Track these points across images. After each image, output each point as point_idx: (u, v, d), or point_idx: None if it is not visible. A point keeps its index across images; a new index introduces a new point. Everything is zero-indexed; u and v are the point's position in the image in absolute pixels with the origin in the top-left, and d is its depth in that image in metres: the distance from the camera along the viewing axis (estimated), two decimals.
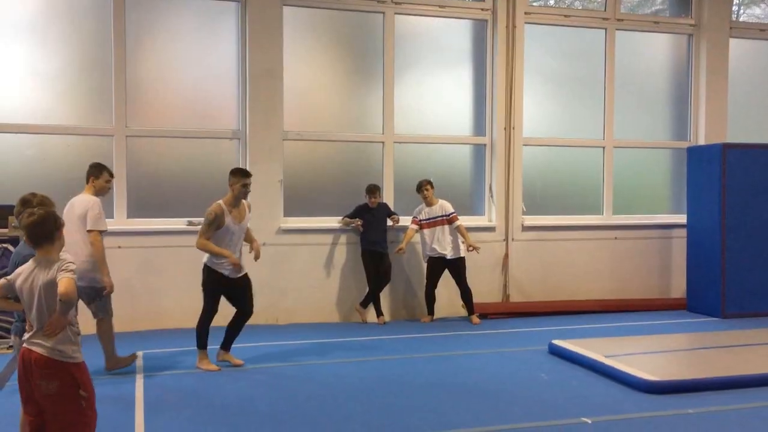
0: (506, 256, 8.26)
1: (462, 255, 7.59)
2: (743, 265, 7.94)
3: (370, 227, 7.60)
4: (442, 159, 8.33)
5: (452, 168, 8.38)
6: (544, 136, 8.57)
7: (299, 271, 7.63)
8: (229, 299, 5.67)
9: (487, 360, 6.06)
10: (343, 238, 7.77)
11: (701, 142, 8.88)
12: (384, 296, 7.78)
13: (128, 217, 7.30)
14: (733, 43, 9.09)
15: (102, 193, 5.42)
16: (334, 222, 7.73)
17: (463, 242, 7.56)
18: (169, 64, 7.51)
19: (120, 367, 5.52)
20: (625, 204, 8.89)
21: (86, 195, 5.34)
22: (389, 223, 7.72)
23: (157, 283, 7.18)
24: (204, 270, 5.57)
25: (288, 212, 7.72)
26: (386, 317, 7.77)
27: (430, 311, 7.78)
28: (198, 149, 7.50)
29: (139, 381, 5.30)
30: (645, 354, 5.94)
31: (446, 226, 7.58)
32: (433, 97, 8.28)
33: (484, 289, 8.13)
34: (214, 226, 5.43)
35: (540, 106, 8.63)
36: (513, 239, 8.28)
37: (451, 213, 7.62)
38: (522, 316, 8.00)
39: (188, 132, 7.47)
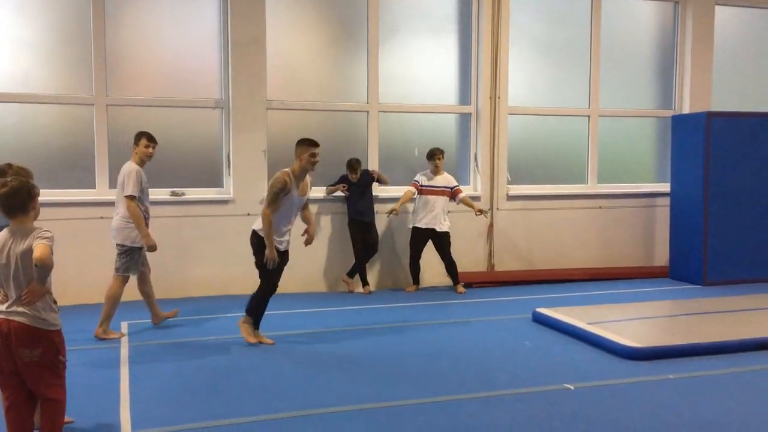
0: (491, 225, 8.28)
1: (448, 230, 7.61)
2: (725, 233, 8.01)
3: (356, 197, 7.58)
4: (428, 128, 8.29)
5: (437, 137, 8.33)
6: (529, 104, 8.54)
7: None
8: None
9: (472, 328, 6.10)
10: (329, 208, 7.74)
11: (686, 110, 8.89)
12: (370, 266, 7.79)
13: (110, 187, 7.22)
14: (719, 10, 9.06)
15: (145, 159, 5.82)
16: (319, 192, 7.70)
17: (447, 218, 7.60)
18: (150, 31, 7.38)
19: (106, 337, 5.65)
20: (610, 173, 8.91)
21: (129, 162, 5.78)
22: (374, 188, 7.71)
23: None
24: (255, 238, 5.31)
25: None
26: (372, 287, 7.79)
27: (416, 281, 7.81)
28: (180, 118, 7.41)
29: (124, 349, 5.30)
30: (627, 321, 6.01)
31: (443, 198, 7.59)
32: (418, 66, 8.21)
33: (469, 258, 8.16)
34: (282, 195, 5.17)
35: (526, 74, 8.58)
36: (498, 208, 8.30)
37: (455, 186, 7.65)
38: (506, 285, 8.04)
39: (170, 101, 7.38)
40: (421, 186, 7.62)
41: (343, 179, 7.60)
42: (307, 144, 5.30)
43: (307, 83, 7.90)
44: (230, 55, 7.38)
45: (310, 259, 7.68)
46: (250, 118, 7.46)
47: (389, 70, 8.05)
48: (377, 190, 7.80)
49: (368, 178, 7.66)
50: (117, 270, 5.73)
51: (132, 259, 5.74)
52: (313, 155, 5.26)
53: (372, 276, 7.88)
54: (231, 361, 5.07)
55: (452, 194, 7.63)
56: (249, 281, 7.42)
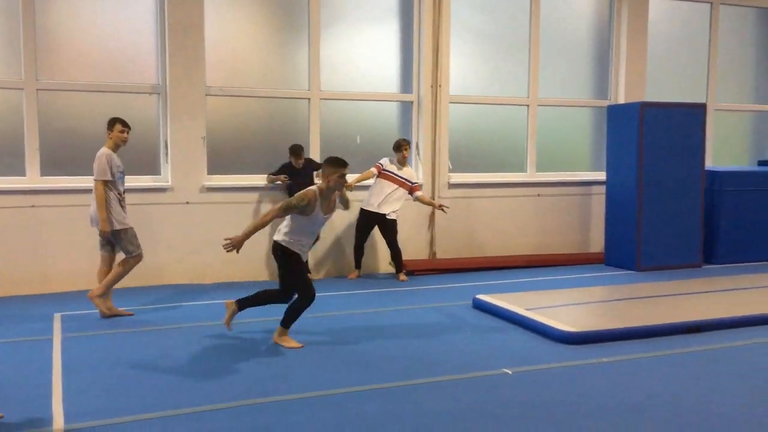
0: (433, 213, 8.34)
1: (396, 218, 7.65)
2: (657, 220, 8.28)
3: (298, 186, 7.49)
4: (370, 116, 8.28)
5: (380, 126, 8.35)
6: (470, 93, 8.63)
7: (225, 230, 7.43)
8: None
9: (413, 316, 6.15)
10: (270, 197, 7.67)
11: (621, 100, 9.13)
12: (311, 254, 7.75)
13: (42, 174, 6.98)
14: (653, 3, 9.31)
15: (119, 143, 5.93)
16: (260, 180, 7.61)
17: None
18: (84, 12, 7.13)
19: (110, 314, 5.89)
20: (548, 161, 9.08)
21: (103, 148, 5.88)
22: (317, 180, 7.66)
23: (72, 242, 6.92)
24: (278, 250, 5.08)
25: (212, 170, 7.55)
26: (314, 275, 7.76)
27: (358, 265, 7.82)
28: (115, 104, 7.19)
29: (57, 342, 5.14)
30: (564, 306, 6.15)
31: (401, 190, 7.63)
32: (360, 54, 8.18)
33: (411, 246, 8.21)
34: (297, 210, 4.95)
35: (467, 64, 8.66)
36: (439, 196, 8.36)
37: (415, 183, 7.71)
38: (448, 272, 8.13)
39: (104, 86, 7.16)
40: (384, 170, 7.63)
41: (285, 167, 7.52)
42: (336, 164, 5.04)
43: (248, 70, 7.78)
44: (167, 40, 7.20)
45: (251, 249, 7.59)
46: (188, 105, 7.31)
47: (331, 58, 8.00)
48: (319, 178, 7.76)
49: (312, 166, 7.61)
50: (128, 254, 5.90)
51: (128, 237, 5.88)
52: (342, 176, 5.05)
53: (314, 264, 7.85)
54: (166, 352, 4.98)
55: (410, 190, 7.68)
56: (186, 270, 7.35)
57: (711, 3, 9.62)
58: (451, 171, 8.46)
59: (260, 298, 5.31)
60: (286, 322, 5.19)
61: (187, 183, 7.32)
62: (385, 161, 7.69)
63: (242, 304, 5.29)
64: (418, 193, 7.74)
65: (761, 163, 10.01)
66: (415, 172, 7.95)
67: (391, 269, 7.90)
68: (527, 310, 5.83)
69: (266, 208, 7.65)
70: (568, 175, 9.11)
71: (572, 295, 6.71)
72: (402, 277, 7.71)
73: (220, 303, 6.34)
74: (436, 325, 5.78)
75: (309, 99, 7.90)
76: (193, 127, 7.34)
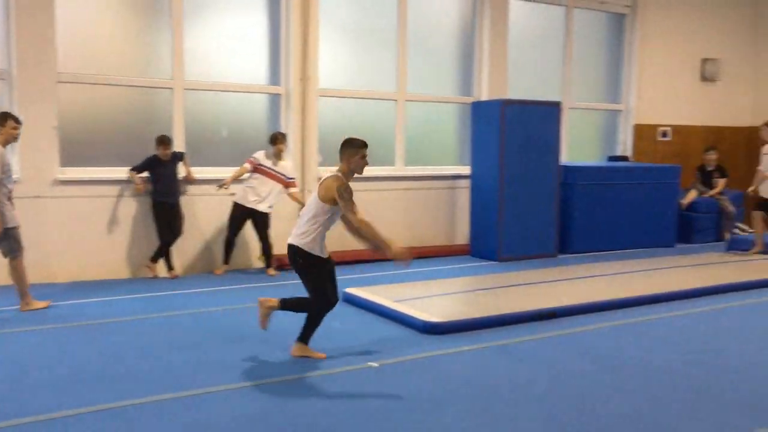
0: (302, 206, 8.27)
1: (269, 211, 7.53)
2: (517, 212, 8.65)
3: (162, 178, 7.23)
4: (237, 108, 8.09)
5: (247, 118, 8.17)
6: (341, 87, 8.63)
7: (80, 225, 7.09)
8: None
9: (280, 312, 6.06)
10: (130, 190, 7.31)
11: (484, 97, 9.46)
12: (177, 249, 7.48)
13: None
14: (514, 4, 9.70)
15: (11, 140, 5.79)
16: (120, 173, 7.24)
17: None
18: None
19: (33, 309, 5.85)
20: (416, 156, 9.27)
21: None
22: (182, 174, 7.41)
23: None
24: (300, 257, 4.63)
25: (65, 162, 7.10)
26: (179, 271, 7.50)
27: (226, 261, 7.64)
28: None
29: None
30: (430, 297, 6.31)
31: (278, 185, 7.50)
32: (227, 43, 7.96)
33: (283, 241, 8.01)
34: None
35: (337, 57, 8.65)
36: (310, 190, 8.30)
37: (292, 178, 7.58)
38: None
39: None
40: (260, 164, 7.47)
41: (150, 161, 7.18)
42: (358, 145, 4.65)
43: (105, 56, 7.37)
44: (13, 20, 6.68)
45: (109, 245, 7.24)
46: (37, 91, 6.83)
47: (196, 46, 7.73)
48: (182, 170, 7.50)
49: (177, 158, 7.34)
50: (12, 252, 5.78)
51: (16, 235, 5.77)
52: (364, 157, 4.66)
53: (180, 260, 7.58)
54: (16, 355, 4.64)
55: (286, 185, 7.57)
56: (36, 267, 6.85)
57: (566, 6, 10.17)
58: (320, 165, 8.43)
59: (313, 322, 4.77)
60: (305, 336, 4.75)
61: (37, 175, 6.84)
62: (259, 155, 7.54)
63: (303, 338, 4.78)
64: (292, 190, 7.66)
65: (611, 158, 10.73)
66: (292, 165, 7.82)
67: (261, 264, 7.77)
68: (395, 301, 5.93)
69: (128, 202, 7.30)
70: (436, 170, 9.34)
71: (438, 286, 6.89)
72: (271, 272, 7.61)
73: (77, 303, 6.02)
74: (300, 321, 5.73)
75: (172, 88, 7.60)
76: (43, 116, 6.86)
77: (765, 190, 8.49)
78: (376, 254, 4.91)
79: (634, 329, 5.56)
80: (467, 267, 8.26)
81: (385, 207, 8.86)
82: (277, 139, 7.55)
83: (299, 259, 4.65)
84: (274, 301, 4.76)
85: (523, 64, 9.98)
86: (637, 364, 4.70)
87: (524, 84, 9.94)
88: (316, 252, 4.63)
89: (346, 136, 4.76)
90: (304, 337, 4.77)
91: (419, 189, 9.11)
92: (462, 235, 9.39)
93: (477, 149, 8.84)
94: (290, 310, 4.78)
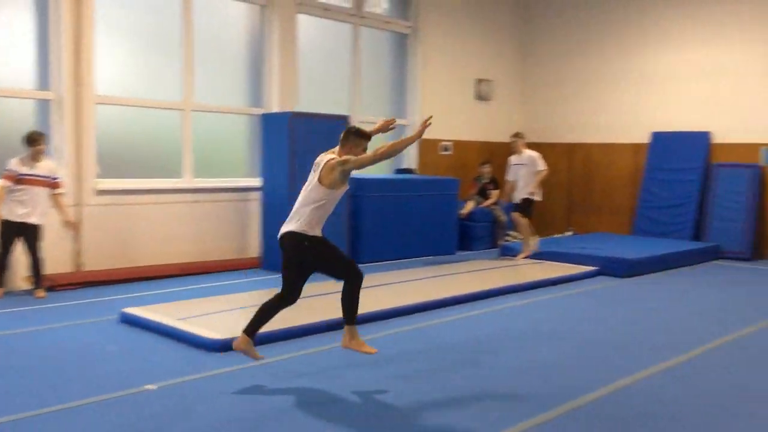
0: (78, 222, 7.68)
1: (40, 223, 6.89)
2: None
3: None
4: (6, 113, 7.33)
5: (13, 125, 7.42)
6: (123, 95, 8.15)
7: None
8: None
9: (51, 336, 5.57)
10: None
11: (275, 109, 9.44)
12: None
13: None
14: (302, 18, 9.80)
15: None
16: None
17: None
18: None
19: None
20: (205, 167, 9.01)
21: None
22: None
23: None
24: (304, 240, 4.60)
25: None
26: None
27: (1, 283, 6.87)
28: None
29: None
30: (217, 314, 6.13)
31: (45, 189, 6.85)
32: None
33: (55, 256, 7.45)
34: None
35: (118, 63, 8.17)
36: (85, 204, 7.74)
37: (57, 178, 6.93)
38: (97, 285, 7.56)
39: None
40: (20, 175, 6.74)
41: None
42: (361, 136, 4.67)
43: None
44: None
45: None
46: None
47: None
48: None
49: None
50: None
51: None
52: (365, 150, 4.69)
53: None
54: None
55: (51, 185, 6.94)
56: None
57: (353, 24, 10.48)
58: (99, 176, 7.88)
59: (265, 314, 4.68)
60: (351, 317, 4.61)
61: None
62: (13, 163, 6.82)
63: (249, 330, 4.63)
64: (59, 190, 7.05)
65: (398, 171, 11.21)
66: (55, 164, 7.16)
67: (28, 285, 7.07)
68: (179, 320, 5.68)
69: None
70: (226, 182, 9.15)
71: (226, 302, 6.71)
72: (40, 293, 6.95)
73: None
74: (75, 345, 5.31)
75: None
76: None
77: (518, 196, 9.43)
78: None
79: (422, 333, 5.82)
80: (258, 280, 8.15)
81: (172, 221, 8.51)
82: (35, 140, 6.87)
83: (306, 242, 4.61)
84: (240, 338, 4.66)
85: (315, 78, 10.12)
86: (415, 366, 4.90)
87: (316, 97, 10.08)
88: (318, 234, 4.65)
89: (351, 126, 4.89)
90: (351, 319, 4.65)
91: (209, 201, 8.87)
92: (253, 248, 9.28)
93: (267, 161, 8.80)
94: (257, 328, 4.69)
